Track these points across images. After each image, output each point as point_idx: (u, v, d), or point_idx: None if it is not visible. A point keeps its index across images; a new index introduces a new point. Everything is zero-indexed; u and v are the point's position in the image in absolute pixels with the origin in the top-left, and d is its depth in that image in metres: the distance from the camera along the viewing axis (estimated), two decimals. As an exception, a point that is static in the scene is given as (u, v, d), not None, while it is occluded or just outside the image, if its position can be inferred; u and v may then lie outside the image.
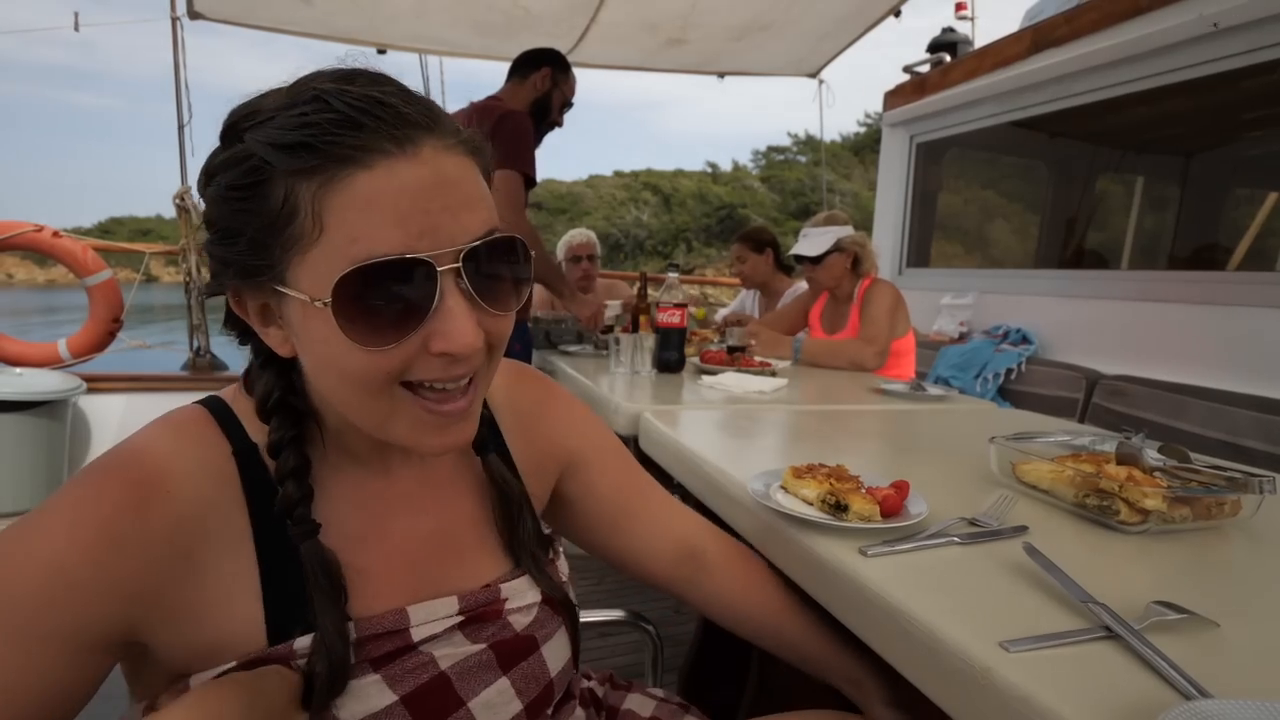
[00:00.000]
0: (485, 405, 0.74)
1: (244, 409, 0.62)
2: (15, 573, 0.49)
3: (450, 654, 0.63)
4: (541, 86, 2.54)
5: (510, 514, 0.72)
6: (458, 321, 0.53)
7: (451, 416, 0.58)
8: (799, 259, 2.59)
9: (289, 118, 0.51)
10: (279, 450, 0.59)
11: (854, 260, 2.55)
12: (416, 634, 0.62)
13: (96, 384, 3.54)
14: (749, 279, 3.42)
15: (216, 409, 0.62)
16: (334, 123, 0.50)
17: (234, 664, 0.55)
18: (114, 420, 3.61)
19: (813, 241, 2.54)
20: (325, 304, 0.51)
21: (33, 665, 0.48)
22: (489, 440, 0.74)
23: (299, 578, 0.58)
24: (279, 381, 0.61)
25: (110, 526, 0.51)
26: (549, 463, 0.81)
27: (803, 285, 3.36)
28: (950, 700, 0.56)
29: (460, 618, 0.65)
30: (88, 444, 3.58)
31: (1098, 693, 0.49)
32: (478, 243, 0.54)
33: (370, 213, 0.50)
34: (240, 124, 0.53)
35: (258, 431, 0.61)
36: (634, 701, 0.87)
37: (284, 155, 0.50)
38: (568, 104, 2.64)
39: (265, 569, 0.58)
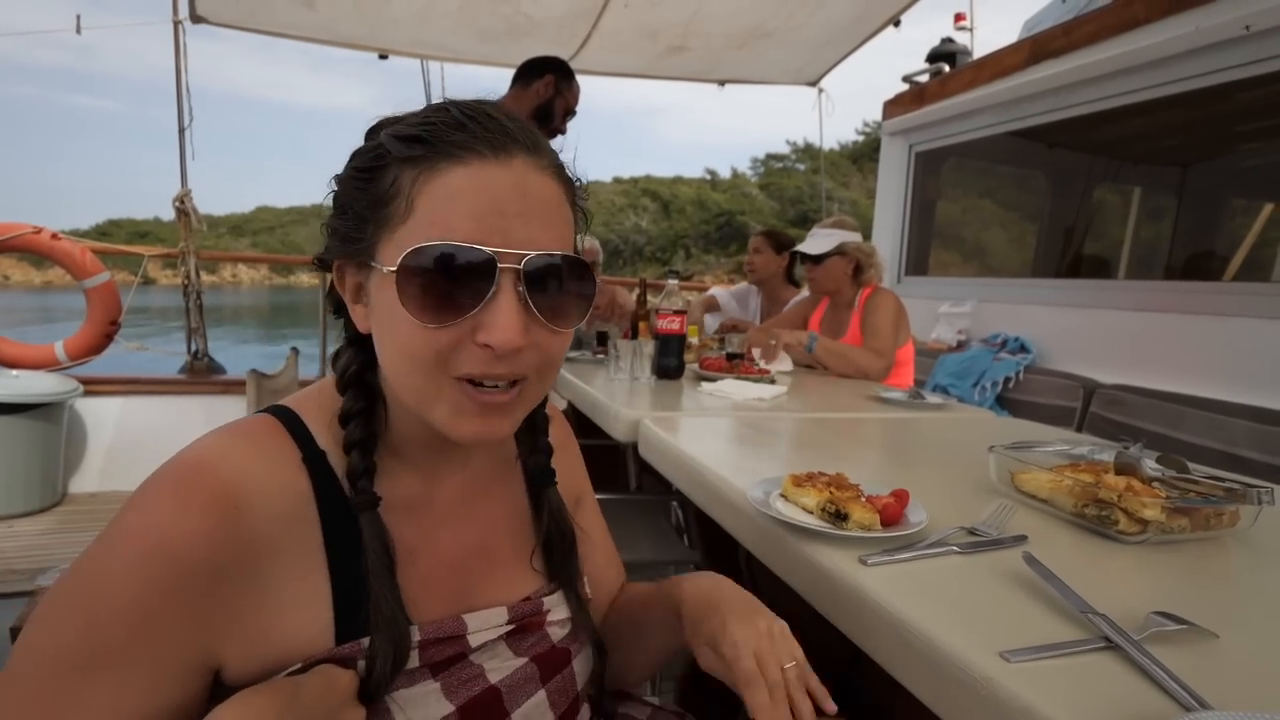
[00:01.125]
0: (547, 435, 0.78)
1: (313, 416, 0.63)
2: (99, 608, 0.50)
3: (498, 666, 0.65)
4: (544, 94, 2.55)
5: (564, 548, 0.74)
6: (505, 317, 0.56)
7: (491, 408, 0.59)
8: (803, 257, 2.59)
9: (416, 118, 0.59)
10: (349, 419, 0.62)
11: (856, 267, 2.55)
12: (472, 640, 0.65)
13: (93, 386, 3.53)
14: (757, 271, 3.42)
15: (285, 417, 0.62)
16: (446, 124, 0.57)
17: (299, 665, 0.56)
18: (110, 423, 3.60)
19: (817, 241, 2.54)
20: (392, 271, 0.55)
21: (136, 691, 0.50)
22: (550, 472, 0.76)
23: (366, 579, 0.59)
24: (359, 357, 0.64)
25: (182, 558, 0.51)
26: (570, 496, 0.83)
27: (806, 294, 3.37)
28: (951, 710, 0.56)
29: (509, 627, 0.68)
30: (84, 446, 3.56)
31: (1098, 704, 0.49)
32: (544, 254, 0.57)
33: (453, 202, 0.56)
34: (382, 125, 0.61)
35: (327, 438, 0.62)
36: (630, 707, 0.87)
37: (401, 145, 0.57)
38: (571, 112, 2.63)
39: (335, 572, 0.59)
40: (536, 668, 0.68)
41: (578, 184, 0.65)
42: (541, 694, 0.67)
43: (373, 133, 0.62)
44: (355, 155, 0.62)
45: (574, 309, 0.61)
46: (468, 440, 0.60)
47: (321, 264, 0.64)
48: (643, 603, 0.82)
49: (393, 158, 0.57)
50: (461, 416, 0.59)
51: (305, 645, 0.57)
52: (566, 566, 0.74)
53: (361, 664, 0.57)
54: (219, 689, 0.56)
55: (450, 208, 0.55)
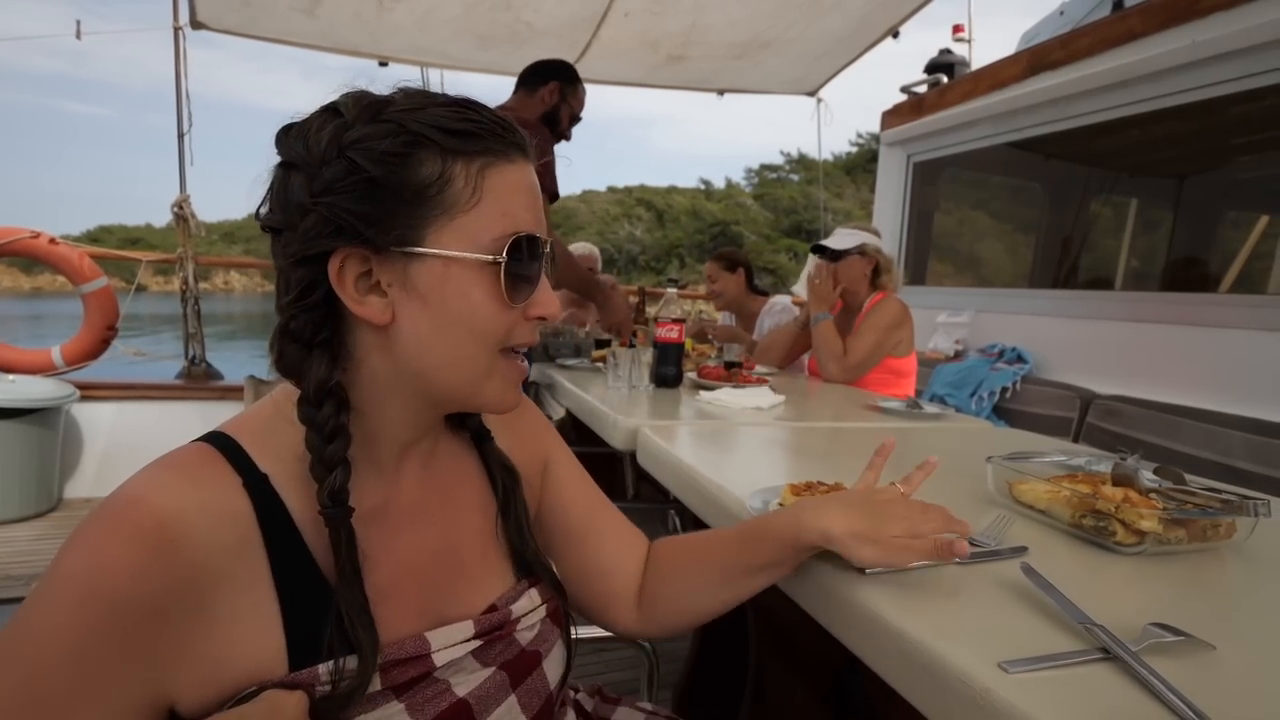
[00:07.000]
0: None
1: (250, 439, 0.61)
2: (39, 657, 0.49)
3: (465, 679, 0.64)
4: (549, 101, 2.51)
5: (512, 509, 0.75)
6: (549, 293, 0.67)
7: (522, 375, 0.68)
8: (822, 251, 2.56)
9: (449, 112, 0.61)
10: (335, 435, 0.59)
11: (874, 270, 2.54)
12: (437, 659, 0.63)
13: (90, 392, 3.52)
14: (721, 298, 3.45)
15: (221, 444, 0.60)
16: (491, 123, 0.62)
17: (252, 689, 0.55)
18: (106, 428, 3.59)
19: (839, 238, 2.54)
20: (496, 260, 0.61)
21: None
22: (484, 431, 0.77)
23: (320, 601, 0.58)
24: (332, 366, 0.61)
25: (118, 597, 0.50)
26: (535, 466, 0.82)
27: (779, 301, 3.38)
28: (950, 721, 0.56)
29: (477, 642, 0.67)
30: (80, 452, 3.55)
31: (1096, 715, 0.50)
32: (552, 243, 0.68)
33: (515, 195, 0.63)
34: (380, 107, 0.60)
35: (269, 460, 0.60)
36: (623, 715, 0.88)
37: (452, 138, 0.60)
38: (576, 118, 2.60)
39: (285, 597, 0.58)
40: (506, 674, 0.67)
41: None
42: (512, 699, 0.67)
43: (375, 115, 0.59)
44: (376, 136, 0.58)
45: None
46: (509, 409, 0.68)
47: (305, 258, 0.58)
48: (725, 548, 0.80)
49: (436, 146, 0.59)
50: (510, 388, 0.67)
51: (259, 672, 0.56)
52: (523, 539, 0.74)
53: (322, 688, 0.56)
54: None
55: (514, 200, 0.62)
